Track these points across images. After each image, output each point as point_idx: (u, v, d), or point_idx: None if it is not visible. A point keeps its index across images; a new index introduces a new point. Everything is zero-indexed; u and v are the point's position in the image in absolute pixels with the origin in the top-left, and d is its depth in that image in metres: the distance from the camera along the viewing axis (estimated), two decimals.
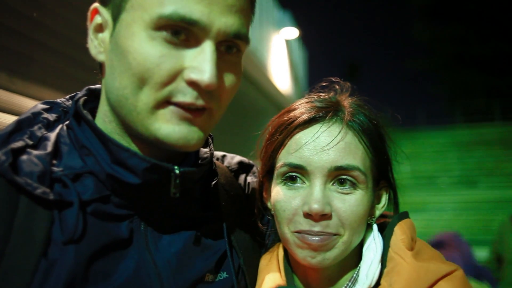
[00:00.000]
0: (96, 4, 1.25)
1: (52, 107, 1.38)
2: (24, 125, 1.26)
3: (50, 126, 1.33)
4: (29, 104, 3.51)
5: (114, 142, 1.22)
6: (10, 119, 3.33)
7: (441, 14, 42.31)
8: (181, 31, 1.13)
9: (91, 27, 1.26)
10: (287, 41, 15.06)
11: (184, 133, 1.19)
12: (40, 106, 1.36)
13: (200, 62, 1.13)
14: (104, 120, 1.29)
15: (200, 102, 1.17)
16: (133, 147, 1.27)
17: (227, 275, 1.41)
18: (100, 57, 1.26)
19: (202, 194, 1.47)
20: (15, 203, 1.11)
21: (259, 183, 1.63)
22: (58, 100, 1.41)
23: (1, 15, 3.33)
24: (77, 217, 1.16)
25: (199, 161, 1.42)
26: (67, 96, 1.41)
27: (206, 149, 1.45)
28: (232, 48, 1.22)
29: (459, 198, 20.24)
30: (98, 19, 1.25)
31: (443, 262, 1.37)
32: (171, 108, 1.17)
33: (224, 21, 1.15)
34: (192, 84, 1.14)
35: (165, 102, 1.16)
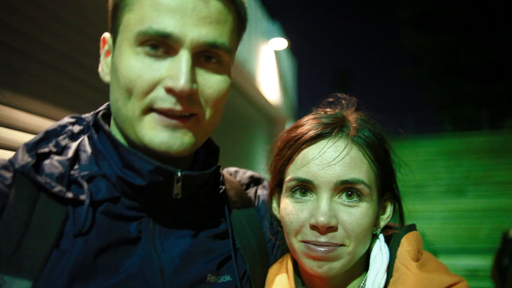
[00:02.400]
0: (104, 34, 1.45)
1: (77, 120, 1.54)
2: (51, 135, 1.44)
3: (74, 137, 1.49)
4: (20, 116, 3.53)
5: (124, 147, 1.35)
6: (2, 131, 3.35)
7: (430, 23, 42.48)
8: (159, 45, 1.27)
9: (102, 54, 1.45)
10: (276, 52, 15.08)
11: (166, 139, 1.30)
12: (67, 119, 1.52)
13: (175, 71, 1.25)
14: (114, 132, 1.44)
15: (178, 108, 1.28)
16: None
17: (231, 278, 1.48)
18: (106, 78, 1.44)
19: (210, 202, 1.57)
20: (35, 199, 1.27)
21: (269, 195, 1.69)
22: (83, 116, 1.56)
23: None
24: (87, 213, 1.30)
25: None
26: (92, 112, 1.54)
27: (213, 159, 1.57)
28: (211, 58, 1.33)
29: (447, 207, 20.27)
30: (106, 47, 1.45)
31: (447, 273, 1.42)
32: (154, 115, 1.29)
33: (197, 32, 1.27)
34: (170, 91, 1.26)
35: (149, 109, 1.29)
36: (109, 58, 1.42)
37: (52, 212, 1.27)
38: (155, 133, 1.29)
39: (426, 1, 41.58)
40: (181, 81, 1.23)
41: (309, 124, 1.56)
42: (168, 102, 1.27)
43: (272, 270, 1.66)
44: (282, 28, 14.61)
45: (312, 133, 1.51)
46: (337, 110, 1.63)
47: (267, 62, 13.83)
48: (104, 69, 1.44)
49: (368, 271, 1.51)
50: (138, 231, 1.37)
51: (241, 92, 11.77)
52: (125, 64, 1.28)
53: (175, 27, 1.24)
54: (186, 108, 1.29)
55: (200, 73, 1.31)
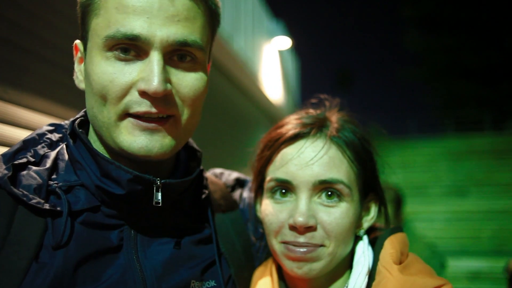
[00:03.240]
0: (76, 41, 1.45)
1: (56, 128, 1.51)
2: (29, 144, 1.40)
3: (52, 145, 1.46)
4: (22, 114, 3.52)
5: (102, 156, 1.32)
6: (3, 128, 3.34)
7: (433, 24, 42.48)
8: (129, 48, 1.25)
9: (76, 61, 1.42)
10: (280, 51, 15.08)
11: (144, 143, 1.28)
12: (45, 127, 1.49)
13: (147, 72, 1.23)
14: (93, 139, 1.42)
15: (154, 110, 1.26)
16: (119, 161, 1.34)
17: (216, 284, 1.46)
18: (81, 86, 1.41)
19: (193, 207, 1.54)
20: (13, 212, 1.24)
21: (253, 198, 1.68)
22: (62, 123, 1.52)
23: None
24: (65, 224, 1.27)
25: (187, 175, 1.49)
26: (70, 119, 1.50)
27: (194, 164, 1.54)
28: (185, 57, 1.31)
29: (450, 208, 20.24)
30: (78, 54, 1.43)
31: (431, 276, 1.38)
32: (131, 120, 1.28)
33: (165, 31, 1.24)
34: (143, 93, 1.25)
35: (125, 114, 1.28)
36: (83, 65, 1.39)
37: (30, 224, 1.25)
38: (133, 138, 1.28)
39: (429, 1, 41.56)
40: (154, 83, 1.21)
41: (289, 125, 1.56)
42: (143, 106, 1.25)
43: (257, 273, 1.65)
44: (285, 27, 14.62)
45: (291, 133, 1.52)
46: (319, 111, 1.62)
47: (270, 62, 13.83)
48: (78, 76, 1.42)
49: (351, 274, 1.50)
50: (120, 239, 1.35)
51: (244, 91, 11.76)
52: (97, 70, 1.26)
53: (143, 28, 1.22)
54: (162, 109, 1.27)
55: (173, 72, 1.28)
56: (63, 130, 1.50)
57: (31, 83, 3.67)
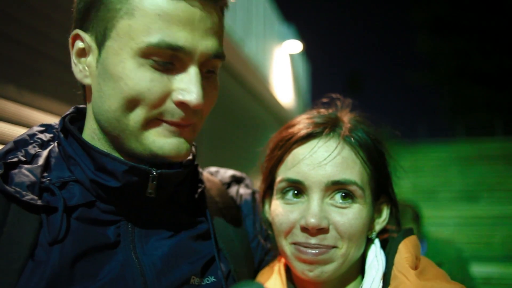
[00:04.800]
0: (76, 30, 1.33)
1: (47, 129, 1.49)
2: (19, 144, 1.38)
3: (44, 145, 1.43)
4: (38, 116, 3.54)
5: (95, 149, 1.30)
6: (19, 131, 3.35)
7: (443, 28, 42.32)
8: (168, 57, 1.22)
9: (73, 52, 1.35)
10: (291, 55, 15.07)
11: (175, 144, 1.29)
12: (36, 128, 1.47)
13: (188, 84, 1.24)
14: (93, 137, 1.38)
15: (185, 122, 1.28)
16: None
17: (215, 279, 1.44)
18: (86, 81, 1.35)
19: (189, 202, 1.53)
20: (6, 211, 1.21)
21: (261, 198, 1.65)
22: (53, 123, 1.50)
23: (7, 27, 3.37)
24: (61, 220, 1.25)
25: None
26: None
27: (189, 157, 1.50)
28: (211, 71, 1.33)
29: (460, 213, 20.11)
30: (79, 44, 1.33)
31: (447, 281, 1.36)
32: (162, 124, 1.27)
33: (205, 44, 1.25)
34: (180, 104, 1.25)
35: (155, 119, 1.27)
36: (89, 59, 1.32)
37: (24, 222, 1.22)
38: (165, 140, 1.28)
39: (440, 5, 41.43)
40: (197, 96, 1.23)
41: (300, 124, 1.53)
42: (176, 116, 1.26)
43: (263, 275, 1.60)
44: (296, 31, 14.61)
45: (303, 132, 1.48)
46: (331, 111, 1.60)
47: (281, 65, 13.83)
48: (81, 70, 1.35)
49: (364, 279, 1.46)
50: (117, 235, 1.33)
51: (255, 95, 11.76)
52: (131, 76, 1.22)
53: (187, 40, 1.21)
54: (192, 120, 1.30)
55: (203, 84, 1.28)
56: (54, 130, 1.48)
57: (46, 85, 3.68)
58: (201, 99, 1.23)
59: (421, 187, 21.10)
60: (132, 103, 1.23)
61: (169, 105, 1.25)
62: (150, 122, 1.27)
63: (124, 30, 1.22)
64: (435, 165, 23.78)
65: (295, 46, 14.43)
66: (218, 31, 1.30)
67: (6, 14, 3.33)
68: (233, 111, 10.03)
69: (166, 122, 1.27)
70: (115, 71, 1.24)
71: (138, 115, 1.24)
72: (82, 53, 1.34)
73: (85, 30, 1.32)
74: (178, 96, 1.24)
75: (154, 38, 1.19)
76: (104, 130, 1.34)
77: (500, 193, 20.86)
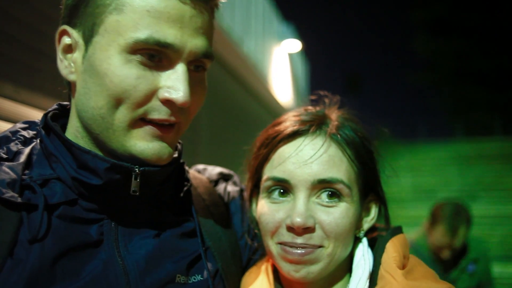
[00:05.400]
0: (64, 26, 1.32)
1: (30, 125, 1.47)
2: (1, 142, 1.36)
3: (26, 142, 1.40)
4: (35, 114, 3.53)
5: (77, 146, 1.29)
6: None
7: (443, 28, 42.32)
8: (155, 54, 1.21)
9: (59, 48, 1.34)
10: (289, 54, 15.07)
11: (157, 149, 1.28)
12: (18, 125, 1.45)
13: (175, 82, 1.23)
14: (76, 135, 1.36)
15: (172, 119, 1.27)
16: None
17: (202, 278, 1.43)
18: (72, 77, 1.33)
19: (175, 200, 1.51)
20: None
21: (248, 197, 1.63)
22: (36, 120, 1.48)
23: (6, 26, 3.36)
24: (41, 218, 1.22)
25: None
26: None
27: (175, 154, 1.47)
28: (199, 67, 1.32)
29: None
30: (66, 40, 1.31)
31: (435, 281, 1.35)
32: (145, 127, 1.26)
33: (194, 42, 1.24)
34: (167, 102, 1.24)
35: (140, 120, 1.25)
36: (75, 55, 1.30)
37: (4, 220, 1.19)
38: (146, 144, 1.27)
39: (439, 6, 41.42)
40: (182, 93, 1.22)
41: (287, 122, 1.51)
42: (163, 113, 1.25)
43: (251, 274, 1.59)
44: (295, 30, 14.60)
45: (289, 130, 1.47)
46: (319, 108, 1.58)
47: (280, 64, 13.82)
48: (67, 66, 1.32)
49: (351, 278, 1.45)
50: (100, 234, 1.31)
51: (254, 94, 11.75)
52: (117, 72, 1.20)
53: (176, 37, 1.20)
54: (178, 118, 1.29)
55: (190, 83, 1.27)
56: (37, 127, 1.43)
57: (43, 84, 3.68)
58: (188, 97, 1.22)
59: (420, 186, 21.08)
60: (117, 101, 1.22)
61: (155, 102, 1.24)
62: (135, 123, 1.25)
63: (112, 26, 1.21)
64: (434, 165, 23.75)
65: (294, 45, 14.42)
66: (208, 31, 1.30)
67: (3, 12, 3.33)
68: (232, 110, 10.01)
69: (152, 121, 1.26)
70: (101, 67, 1.22)
71: (124, 114, 1.23)
72: (69, 49, 1.32)
73: (72, 26, 1.30)
74: (165, 93, 1.23)
75: (142, 34, 1.18)
76: (87, 128, 1.32)
77: (499, 193, 20.84)
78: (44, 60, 3.71)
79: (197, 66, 1.31)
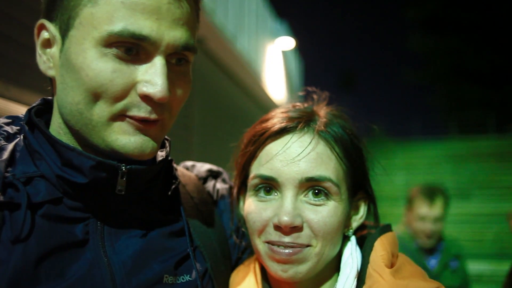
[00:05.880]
0: (42, 20, 1.29)
1: (14, 121, 1.43)
2: None
3: (10, 138, 1.36)
4: (24, 111, 3.50)
5: (61, 143, 1.25)
6: None
7: (436, 26, 42.44)
8: (132, 47, 1.17)
9: (38, 43, 1.30)
10: (283, 52, 15.07)
11: (139, 143, 1.23)
12: (2, 120, 1.41)
13: (152, 76, 1.18)
14: (59, 132, 1.32)
15: (153, 116, 1.22)
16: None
17: (190, 278, 1.40)
18: (50, 73, 1.29)
19: (163, 199, 1.48)
20: None
21: (236, 195, 1.61)
22: (20, 115, 1.44)
23: None
24: (24, 217, 1.18)
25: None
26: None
27: (162, 153, 1.45)
28: (181, 60, 1.27)
29: (452, 211, 20.06)
30: (45, 35, 1.28)
31: (423, 279, 1.33)
32: (127, 121, 1.22)
33: (172, 34, 1.19)
34: (145, 97, 1.19)
35: (120, 115, 1.21)
36: (53, 50, 1.27)
37: None
38: (128, 138, 1.22)
39: (433, 3, 41.53)
40: (160, 88, 1.17)
41: (274, 119, 1.49)
42: (143, 110, 1.21)
43: (239, 273, 1.57)
44: (289, 27, 14.62)
45: (276, 127, 1.44)
46: (307, 105, 1.56)
47: (274, 62, 13.82)
48: (46, 62, 1.30)
49: (339, 276, 1.43)
50: (85, 233, 1.27)
51: (247, 91, 11.75)
52: (92, 66, 1.16)
53: (152, 29, 1.16)
54: (159, 115, 1.24)
55: (171, 77, 1.23)
56: (21, 123, 1.40)
57: (33, 80, 3.65)
58: (166, 92, 1.18)
59: (414, 184, 21.16)
60: (94, 95, 1.17)
61: (134, 98, 1.20)
62: (116, 118, 1.21)
63: (87, 19, 1.17)
64: (428, 163, 23.86)
65: (288, 42, 14.43)
66: (189, 22, 1.25)
67: None
68: (225, 107, 10.00)
69: (133, 117, 1.21)
70: (77, 61, 1.18)
71: (102, 109, 1.19)
72: (47, 43, 1.29)
73: (50, 20, 1.27)
74: (142, 88, 1.18)
75: (117, 26, 1.14)
76: (67, 124, 1.28)
77: (492, 191, 20.97)
78: (34, 57, 3.68)
79: (179, 59, 1.26)
